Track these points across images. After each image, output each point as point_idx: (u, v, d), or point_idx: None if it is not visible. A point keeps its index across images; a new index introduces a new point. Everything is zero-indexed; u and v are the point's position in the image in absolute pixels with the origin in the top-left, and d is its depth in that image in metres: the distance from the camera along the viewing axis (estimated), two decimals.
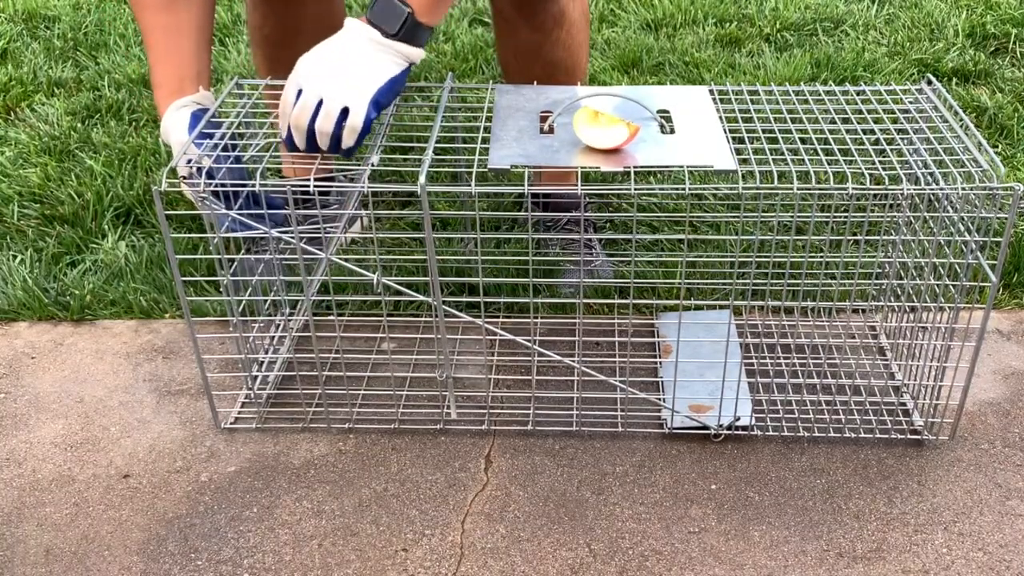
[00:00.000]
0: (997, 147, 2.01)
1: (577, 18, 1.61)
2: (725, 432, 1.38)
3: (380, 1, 1.21)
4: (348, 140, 1.21)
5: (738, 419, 1.37)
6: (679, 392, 1.38)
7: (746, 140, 1.26)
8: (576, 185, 1.18)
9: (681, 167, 1.20)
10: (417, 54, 1.24)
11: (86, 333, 1.61)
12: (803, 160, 1.20)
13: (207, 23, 1.35)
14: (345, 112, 1.20)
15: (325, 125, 1.20)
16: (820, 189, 1.18)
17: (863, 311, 1.62)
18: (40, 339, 1.60)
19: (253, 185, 1.21)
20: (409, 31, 1.22)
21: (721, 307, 1.61)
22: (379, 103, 1.22)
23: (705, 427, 1.38)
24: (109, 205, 1.85)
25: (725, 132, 1.27)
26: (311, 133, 1.21)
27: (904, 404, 1.43)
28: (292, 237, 1.25)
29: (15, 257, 1.74)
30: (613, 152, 1.22)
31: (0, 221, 1.84)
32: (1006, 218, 1.19)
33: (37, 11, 2.68)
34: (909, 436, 1.38)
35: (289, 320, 1.57)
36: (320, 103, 1.20)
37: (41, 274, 1.70)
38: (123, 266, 1.71)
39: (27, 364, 1.55)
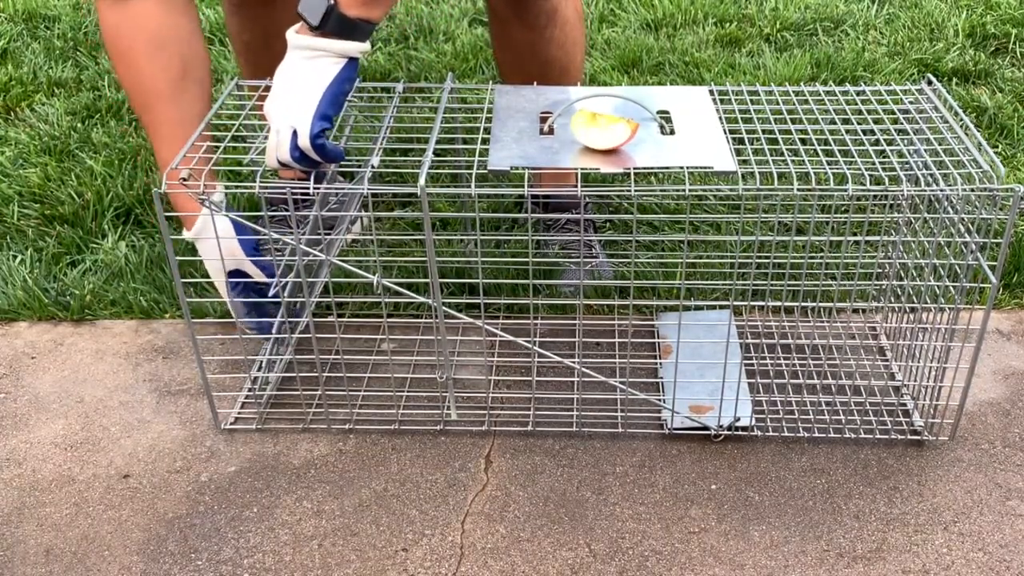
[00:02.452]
0: (997, 147, 2.01)
1: (571, 16, 1.61)
2: (725, 432, 1.38)
3: None
4: (313, 156, 1.21)
5: (738, 419, 1.37)
6: (679, 392, 1.38)
7: (746, 140, 1.26)
8: (576, 186, 1.18)
9: (681, 168, 1.20)
10: (354, 48, 1.20)
11: (86, 333, 1.61)
12: (803, 161, 1.20)
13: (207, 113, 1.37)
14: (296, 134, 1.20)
15: (283, 155, 1.20)
16: (821, 190, 1.18)
17: (863, 311, 1.62)
18: (40, 339, 1.60)
19: (253, 185, 1.21)
20: (336, 24, 1.19)
21: (721, 307, 1.61)
22: (326, 114, 1.20)
23: (705, 427, 1.38)
24: (109, 205, 1.85)
25: (725, 133, 1.27)
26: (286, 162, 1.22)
27: (904, 405, 1.43)
28: (293, 239, 1.26)
29: (15, 257, 1.74)
30: (613, 153, 1.22)
31: (0, 221, 1.84)
32: (1006, 219, 1.19)
33: (37, 11, 2.68)
34: (909, 437, 1.38)
35: (290, 321, 1.57)
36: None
37: (41, 274, 1.70)
38: (123, 266, 1.71)
39: (27, 364, 1.55)
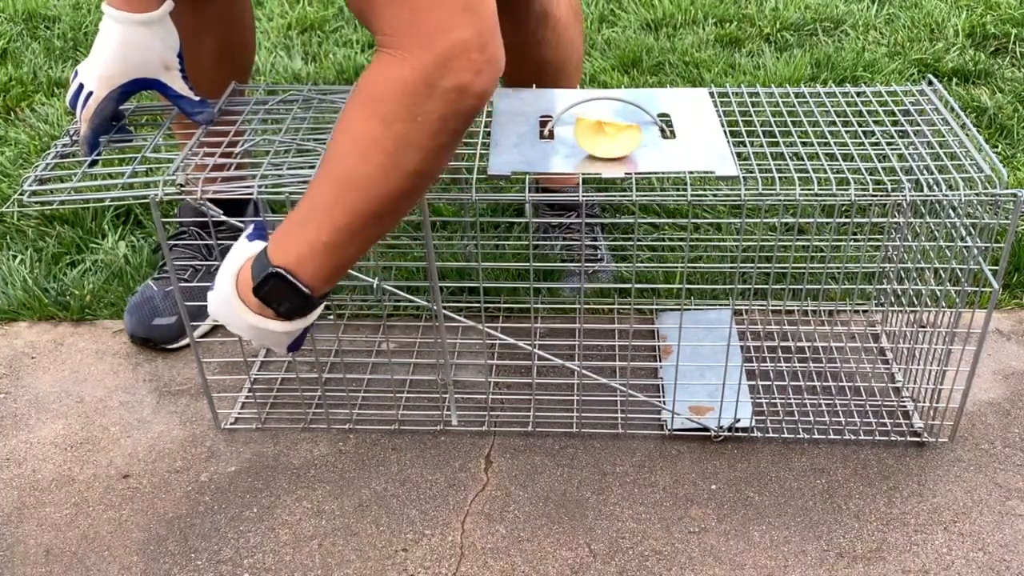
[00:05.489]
0: (997, 147, 2.01)
1: (563, 15, 1.58)
2: (725, 433, 1.38)
3: (273, 280, 1.07)
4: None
5: (738, 421, 1.37)
6: (679, 393, 1.38)
7: (747, 143, 1.26)
8: (576, 187, 1.18)
9: (682, 173, 1.19)
10: (310, 320, 1.14)
11: (86, 333, 1.61)
12: (804, 164, 1.20)
13: None
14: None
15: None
16: (823, 194, 1.18)
17: (863, 312, 1.62)
18: (40, 339, 1.60)
19: (251, 190, 1.21)
20: (306, 311, 1.11)
21: (721, 308, 1.61)
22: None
23: (705, 428, 1.38)
24: (109, 205, 1.85)
25: (726, 135, 1.27)
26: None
27: (904, 406, 1.43)
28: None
29: (15, 257, 1.74)
30: (616, 157, 1.21)
31: (0, 221, 1.84)
32: (1008, 223, 1.19)
33: (37, 11, 2.67)
34: (909, 439, 1.38)
35: None
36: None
37: (41, 274, 1.70)
38: (123, 266, 1.71)
39: (27, 364, 1.55)
